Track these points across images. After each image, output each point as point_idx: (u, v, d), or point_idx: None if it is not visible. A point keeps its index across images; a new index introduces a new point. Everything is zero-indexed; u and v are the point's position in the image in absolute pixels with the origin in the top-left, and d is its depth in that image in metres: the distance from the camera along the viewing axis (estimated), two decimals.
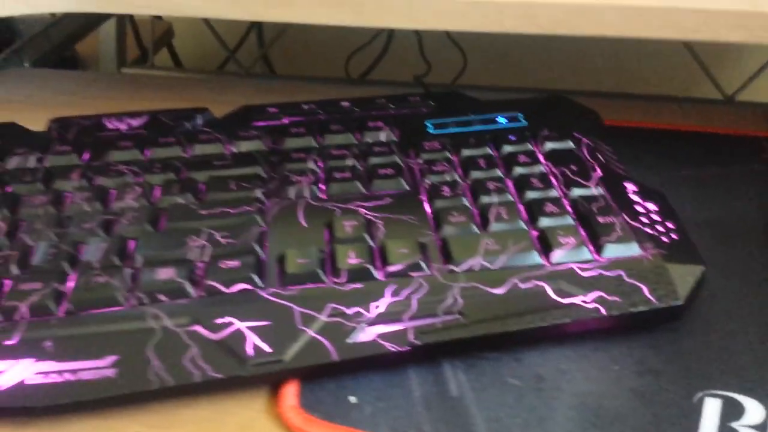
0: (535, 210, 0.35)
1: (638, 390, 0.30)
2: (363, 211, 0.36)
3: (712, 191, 0.40)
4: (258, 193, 0.37)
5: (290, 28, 0.63)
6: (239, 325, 0.30)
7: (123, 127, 0.44)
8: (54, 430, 0.29)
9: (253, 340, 0.30)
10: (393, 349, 0.30)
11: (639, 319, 0.31)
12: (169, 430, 0.29)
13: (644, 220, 0.35)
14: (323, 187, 0.38)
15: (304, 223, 0.35)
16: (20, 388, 0.28)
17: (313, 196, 0.37)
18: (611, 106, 0.47)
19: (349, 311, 0.31)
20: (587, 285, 0.31)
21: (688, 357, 0.31)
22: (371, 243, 0.34)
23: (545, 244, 0.33)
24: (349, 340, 0.30)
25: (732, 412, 0.29)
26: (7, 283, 0.32)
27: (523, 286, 0.31)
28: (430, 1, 0.40)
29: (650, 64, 0.73)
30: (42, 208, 0.36)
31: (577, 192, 0.36)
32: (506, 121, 0.43)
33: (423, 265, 0.32)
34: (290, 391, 0.30)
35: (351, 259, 0.32)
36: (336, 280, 0.32)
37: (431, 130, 0.43)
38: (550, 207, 0.35)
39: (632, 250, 0.33)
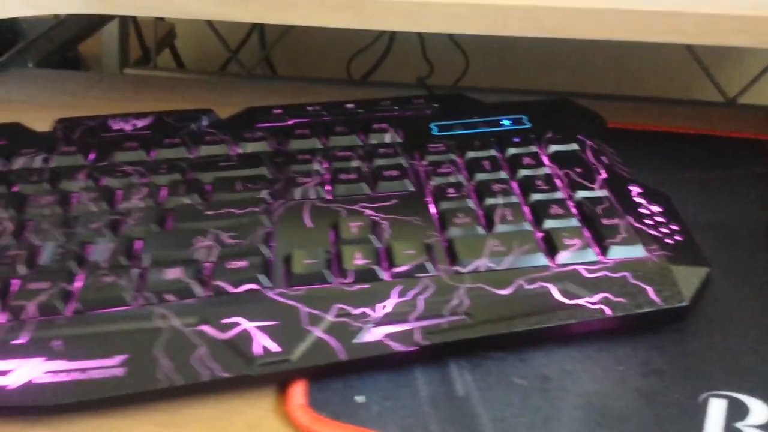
0: (540, 211, 0.35)
1: (643, 390, 0.30)
2: (368, 212, 0.36)
3: (715, 194, 0.41)
4: (264, 193, 0.37)
5: (292, 29, 0.63)
6: (246, 324, 0.30)
7: (128, 127, 0.44)
8: (63, 428, 0.29)
9: (260, 340, 0.30)
10: (400, 349, 0.30)
11: (644, 320, 0.31)
12: (177, 428, 0.29)
13: (649, 222, 0.35)
14: (329, 188, 0.38)
15: (310, 224, 0.35)
16: (29, 386, 0.28)
17: (319, 197, 0.37)
18: (613, 108, 0.47)
19: (356, 311, 0.31)
20: (592, 286, 0.32)
21: (693, 358, 0.31)
22: (377, 244, 0.34)
23: (550, 246, 0.33)
24: (356, 340, 0.30)
25: (737, 412, 0.29)
26: (15, 283, 0.32)
27: (528, 287, 0.32)
28: (433, 4, 0.40)
29: (652, 67, 0.73)
30: (49, 208, 0.37)
31: (581, 194, 0.36)
32: (510, 123, 0.43)
33: (429, 266, 0.32)
34: (297, 391, 0.30)
35: (357, 259, 0.32)
36: (342, 280, 0.32)
37: (435, 132, 0.43)
38: (555, 209, 0.35)
39: (637, 251, 0.33)
